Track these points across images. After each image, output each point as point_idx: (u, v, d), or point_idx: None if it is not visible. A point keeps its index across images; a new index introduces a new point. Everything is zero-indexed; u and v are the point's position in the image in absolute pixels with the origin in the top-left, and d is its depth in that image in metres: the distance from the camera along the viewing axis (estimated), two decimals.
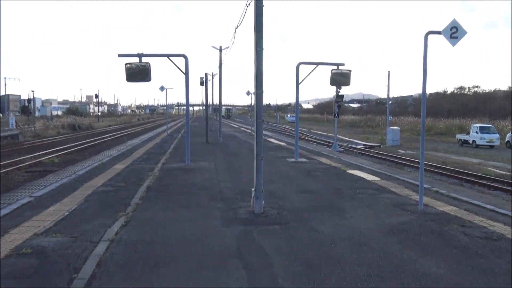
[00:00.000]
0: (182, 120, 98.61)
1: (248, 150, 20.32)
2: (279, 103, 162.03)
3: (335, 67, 15.78)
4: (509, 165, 22.53)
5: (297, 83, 15.96)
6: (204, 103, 26.46)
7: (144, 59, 13.41)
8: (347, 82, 16.00)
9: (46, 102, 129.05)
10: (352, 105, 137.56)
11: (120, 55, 13.95)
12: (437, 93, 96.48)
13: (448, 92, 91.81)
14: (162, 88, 30.02)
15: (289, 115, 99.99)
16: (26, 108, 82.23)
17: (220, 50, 24.20)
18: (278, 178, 12.00)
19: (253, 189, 7.94)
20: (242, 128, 49.33)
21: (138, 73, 13.49)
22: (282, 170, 13.66)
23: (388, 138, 38.50)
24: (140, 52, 13.69)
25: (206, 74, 23.92)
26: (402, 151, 31.55)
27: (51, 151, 22.76)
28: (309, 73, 16.09)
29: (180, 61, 14.19)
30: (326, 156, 18.24)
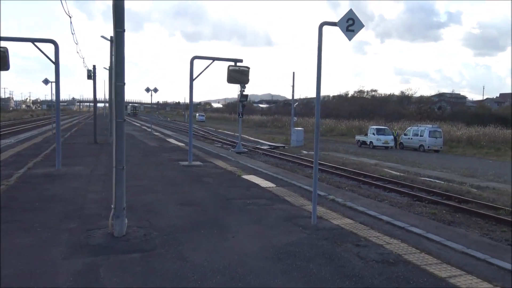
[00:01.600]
0: (81, 116, 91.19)
1: (140, 153, 18.38)
2: (188, 101, 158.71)
3: (232, 63, 14.62)
4: (402, 166, 23.30)
5: (191, 79, 14.48)
6: (93, 98, 23.79)
7: (3, 44, 11.04)
8: (245, 80, 14.91)
9: None
10: (261, 105, 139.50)
11: None
12: (340, 96, 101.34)
13: (349, 95, 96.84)
14: (46, 81, 26.56)
15: (198, 114, 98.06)
16: None
17: (111, 41, 21.78)
18: (161, 186, 10.42)
19: (112, 206, 6.31)
20: (144, 127, 46.50)
21: None
22: (169, 175, 12.08)
23: (293, 139, 38.62)
24: None
25: (94, 67, 21.39)
26: (305, 152, 31.58)
27: None
28: (205, 69, 14.73)
29: (50, 49, 11.96)
30: (224, 159, 17.00)
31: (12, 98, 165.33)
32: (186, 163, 14.72)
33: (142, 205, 8.24)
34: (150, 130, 36.39)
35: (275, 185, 10.94)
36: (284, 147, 35.78)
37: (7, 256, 5.31)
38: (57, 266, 5.05)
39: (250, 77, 14.99)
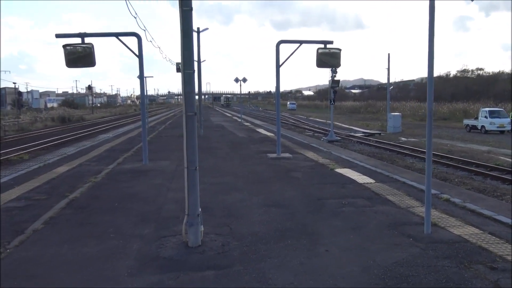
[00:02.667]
0: (177, 109, 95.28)
1: (227, 145, 17.87)
2: (281, 89, 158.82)
3: (321, 46, 13.28)
4: None
5: (277, 65, 13.42)
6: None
7: (88, 40, 10.96)
8: (336, 63, 13.50)
9: (44, 94, 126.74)
10: (353, 91, 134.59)
11: (58, 36, 11.50)
12: (440, 77, 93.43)
13: (451, 75, 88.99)
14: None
15: (288, 103, 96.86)
16: (18, 101, 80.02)
17: (198, 32, 21.59)
18: (245, 183, 9.55)
19: (186, 213, 5.51)
20: (235, 118, 46.77)
21: (82, 57, 11.04)
22: (255, 170, 11.20)
23: (389, 125, 36.00)
24: (82, 32, 11.24)
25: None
26: (403, 139, 29.06)
27: (24, 146, 21.18)
28: (292, 53, 13.57)
29: (133, 42, 11.71)
30: (315, 149, 15.76)
31: (119, 95, 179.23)
32: (274, 155, 13.78)
33: (223, 207, 7.41)
34: (240, 120, 36.31)
35: (374, 181, 9.50)
36: (380, 134, 33.44)
37: (69, 269, 4.75)
38: (120, 284, 4.35)
39: (341, 61, 13.55)
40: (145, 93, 12.79)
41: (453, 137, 30.49)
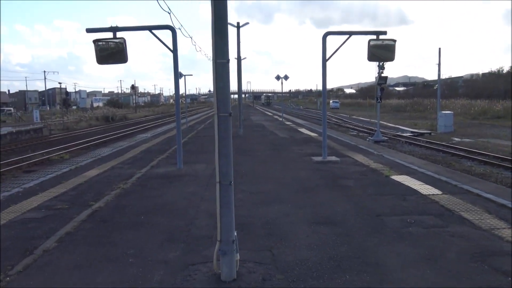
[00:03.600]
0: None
1: (268, 146, 16.74)
2: (320, 88, 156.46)
3: (373, 37, 11.92)
4: None
5: (324, 59, 12.16)
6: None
7: (119, 34, 10.17)
8: (390, 57, 12.09)
9: (91, 94, 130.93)
10: (397, 88, 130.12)
11: (89, 30, 10.78)
12: (491, 73, 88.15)
13: (504, 71, 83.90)
14: (180, 75, 26.83)
15: (331, 101, 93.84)
16: (65, 100, 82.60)
17: (238, 27, 20.57)
18: (289, 192, 8.38)
19: (218, 239, 4.43)
20: (276, 116, 45.63)
21: (114, 53, 10.28)
22: (299, 176, 10.00)
23: (440, 124, 33.70)
24: (114, 25, 10.46)
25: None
26: (457, 139, 26.92)
27: (67, 145, 21.69)
28: (340, 45, 12.26)
29: (166, 36, 10.81)
30: (365, 152, 14.34)
31: (162, 94, 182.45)
32: (319, 158, 12.53)
33: (263, 223, 6.30)
34: (281, 119, 35.15)
35: (440, 192, 8.08)
36: (430, 133, 31.34)
37: None
38: None
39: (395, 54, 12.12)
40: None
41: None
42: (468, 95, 71.80)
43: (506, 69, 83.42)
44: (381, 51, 12.03)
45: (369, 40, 11.86)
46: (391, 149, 17.35)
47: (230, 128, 4.32)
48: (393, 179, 9.49)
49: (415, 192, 8.17)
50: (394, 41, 12.04)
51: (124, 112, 75.70)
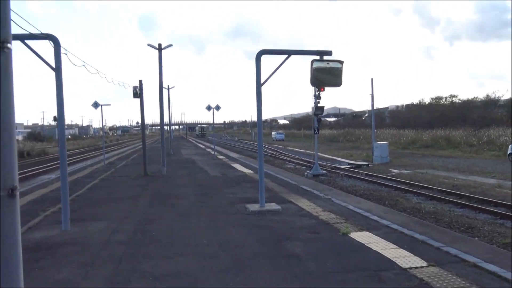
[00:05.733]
0: (150, 141, 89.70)
1: (194, 190, 13.94)
2: (254, 119, 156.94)
3: (317, 57, 9.90)
4: None
5: (258, 83, 9.82)
6: (141, 119, 20.03)
7: None
8: (337, 82, 10.11)
9: None
10: (328, 119, 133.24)
11: None
12: (413, 104, 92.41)
13: (426, 102, 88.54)
14: (96, 105, 23.41)
15: (275, 133, 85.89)
16: None
17: (160, 49, 17.91)
18: (215, 272, 5.67)
19: None
20: (208, 150, 42.85)
21: None
22: (231, 239, 7.33)
23: (375, 155, 32.99)
24: None
25: (140, 82, 17.50)
26: (395, 171, 25.93)
27: None
28: (279, 66, 10.05)
29: (45, 48, 7.92)
30: (309, 195, 12.04)
31: (91, 126, 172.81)
32: (256, 207, 9.99)
33: None
34: (214, 153, 32.49)
35: (423, 262, 5.80)
36: (367, 165, 30.32)
37: None
38: None
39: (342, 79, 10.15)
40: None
41: (446, 167, 27.62)
42: (395, 125, 74.15)
43: (427, 100, 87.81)
44: (326, 75, 10.02)
45: (312, 61, 9.82)
46: (337, 189, 15.30)
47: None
48: (353, 239, 7.13)
49: (390, 263, 5.83)
50: (341, 62, 10.07)
51: (45, 146, 69.24)
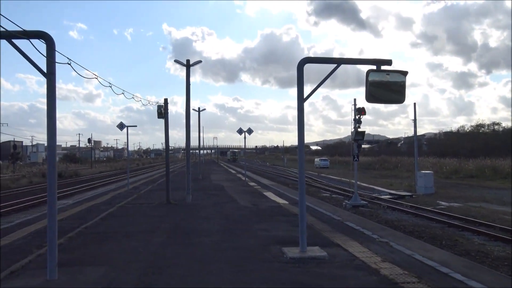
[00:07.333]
0: (180, 164, 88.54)
1: (220, 224, 11.96)
2: (287, 144, 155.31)
3: (373, 67, 7.99)
4: None
5: (300, 97, 7.92)
6: (165, 140, 18.47)
7: None
8: (399, 98, 8.16)
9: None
10: (362, 145, 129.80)
11: None
12: (452, 132, 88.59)
13: (467, 130, 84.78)
14: (121, 126, 22.15)
15: (317, 159, 79.25)
16: (13, 154, 75.45)
17: (188, 66, 16.40)
18: None
19: None
20: (239, 175, 41.01)
21: None
22: None
23: (419, 185, 30.48)
24: None
25: (165, 101, 15.94)
26: (444, 203, 23.35)
27: None
28: (327, 77, 8.12)
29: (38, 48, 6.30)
30: (359, 235, 9.86)
31: (127, 149, 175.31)
32: (296, 252, 7.93)
33: None
34: (245, 179, 30.59)
35: None
36: (411, 196, 27.76)
37: None
38: None
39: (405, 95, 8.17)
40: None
41: (501, 200, 24.73)
42: (434, 153, 70.98)
43: (467, 128, 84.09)
44: (383, 90, 8.06)
45: (368, 72, 7.90)
46: (392, 229, 13.00)
47: None
48: None
49: None
50: (405, 74, 8.10)
51: (78, 168, 69.59)
